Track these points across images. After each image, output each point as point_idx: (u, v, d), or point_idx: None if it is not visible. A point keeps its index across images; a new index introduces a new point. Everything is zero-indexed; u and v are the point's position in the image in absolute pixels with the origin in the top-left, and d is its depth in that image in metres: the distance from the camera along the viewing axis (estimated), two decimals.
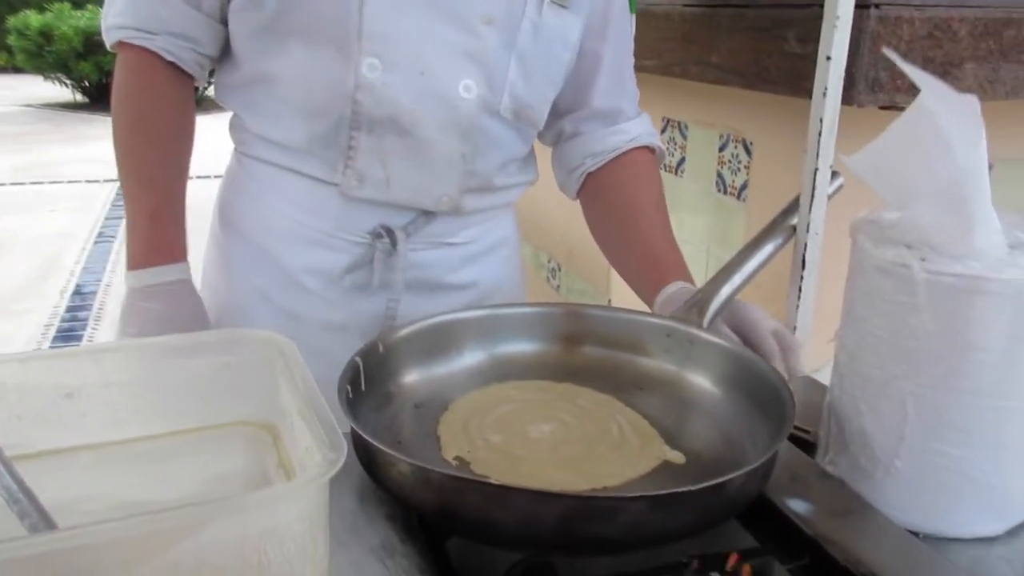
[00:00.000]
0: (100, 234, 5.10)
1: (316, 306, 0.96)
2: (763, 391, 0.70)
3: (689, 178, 1.58)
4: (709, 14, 1.26)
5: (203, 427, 0.45)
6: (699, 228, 1.55)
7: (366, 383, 0.71)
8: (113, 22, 0.90)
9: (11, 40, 10.35)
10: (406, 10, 0.85)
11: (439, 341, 0.79)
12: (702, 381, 0.78)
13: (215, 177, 1.14)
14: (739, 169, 1.42)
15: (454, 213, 0.96)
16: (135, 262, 0.91)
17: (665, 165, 1.65)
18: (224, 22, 0.91)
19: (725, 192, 1.46)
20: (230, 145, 1.02)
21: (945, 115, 0.63)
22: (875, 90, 1.00)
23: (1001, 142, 1.23)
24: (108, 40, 0.93)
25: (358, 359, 0.71)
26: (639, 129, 1.03)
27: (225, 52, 0.95)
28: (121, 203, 5.56)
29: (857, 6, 0.98)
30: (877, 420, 0.65)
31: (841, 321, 0.68)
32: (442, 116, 0.88)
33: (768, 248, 0.88)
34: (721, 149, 1.47)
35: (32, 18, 10.19)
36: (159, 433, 0.45)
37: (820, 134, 0.85)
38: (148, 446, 0.44)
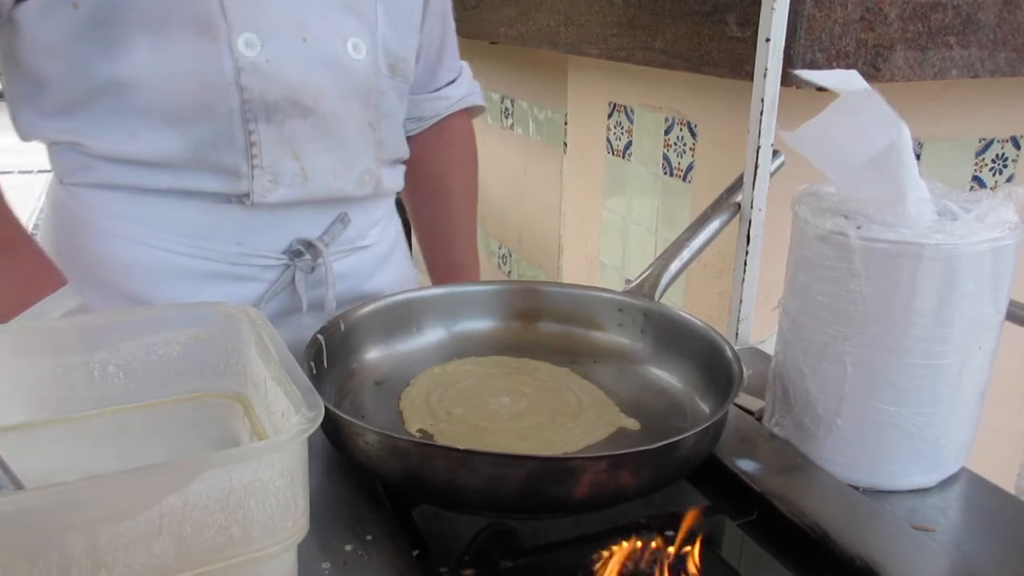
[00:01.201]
0: (36, 226, 4.94)
1: None
2: (712, 358, 0.73)
3: (636, 161, 1.61)
4: (652, 0, 1.29)
5: (175, 399, 0.46)
6: (647, 210, 1.59)
7: (328, 360, 0.72)
8: None
9: None
10: None
11: (399, 319, 0.80)
12: (653, 352, 0.81)
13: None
14: (684, 151, 1.46)
15: (375, 194, 0.91)
16: (10, 305, 0.71)
17: (612, 149, 1.68)
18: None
19: (672, 174, 1.50)
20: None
21: (870, 99, 0.67)
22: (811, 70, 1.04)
23: (928, 122, 1.30)
24: None
25: (320, 336, 0.72)
26: (459, 92, 1.05)
27: (18, 78, 0.78)
28: None
29: None
30: (819, 381, 0.68)
31: (784, 289, 0.72)
32: (339, 84, 0.82)
33: (714, 225, 0.91)
34: (667, 132, 1.51)
35: None
36: (131, 406, 0.45)
37: (761, 114, 0.89)
38: (119, 419, 0.45)
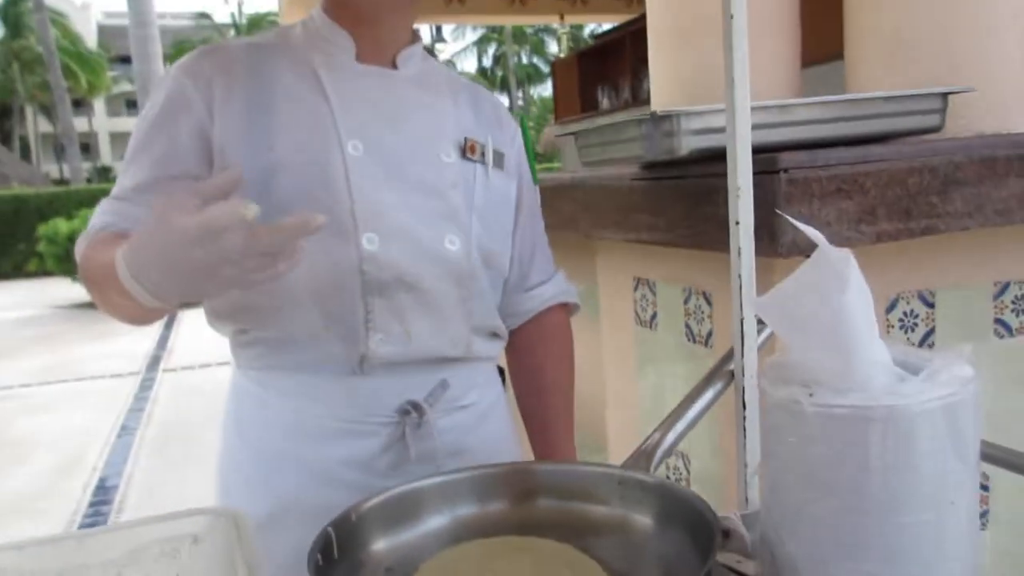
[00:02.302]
0: (123, 427, 5.20)
1: (353, 496, 0.95)
2: (700, 526, 0.76)
3: (662, 330, 1.67)
4: (653, 185, 1.40)
5: None
6: (677, 376, 1.63)
7: (339, 551, 0.77)
8: (96, 227, 0.97)
9: (41, 247, 10.96)
10: (388, 187, 0.98)
11: (406, 508, 0.85)
12: (653, 524, 0.84)
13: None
14: (703, 319, 1.52)
15: (467, 356, 1.06)
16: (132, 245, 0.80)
17: (640, 320, 1.75)
18: None
19: (694, 341, 1.55)
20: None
21: (827, 266, 0.73)
22: (796, 243, 1.11)
23: (937, 272, 1.34)
24: (80, 248, 0.96)
25: (330, 529, 0.77)
26: (551, 291, 1.19)
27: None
28: (144, 394, 5.68)
29: (767, 172, 1.12)
30: (798, 546, 0.70)
31: (760, 456, 0.75)
32: (438, 269, 1.01)
33: (708, 395, 0.96)
34: (686, 302, 1.58)
35: (60, 224, 10.83)
36: None
37: (740, 288, 0.95)
38: None
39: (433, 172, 1.01)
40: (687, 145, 1.17)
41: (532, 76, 38.02)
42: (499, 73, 39.92)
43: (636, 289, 1.76)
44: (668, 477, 1.73)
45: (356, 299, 0.98)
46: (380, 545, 0.83)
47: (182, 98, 0.98)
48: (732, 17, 0.93)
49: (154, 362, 7.00)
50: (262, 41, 1.05)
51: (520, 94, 38.83)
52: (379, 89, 1.02)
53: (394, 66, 1.05)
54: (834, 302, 0.69)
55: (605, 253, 1.88)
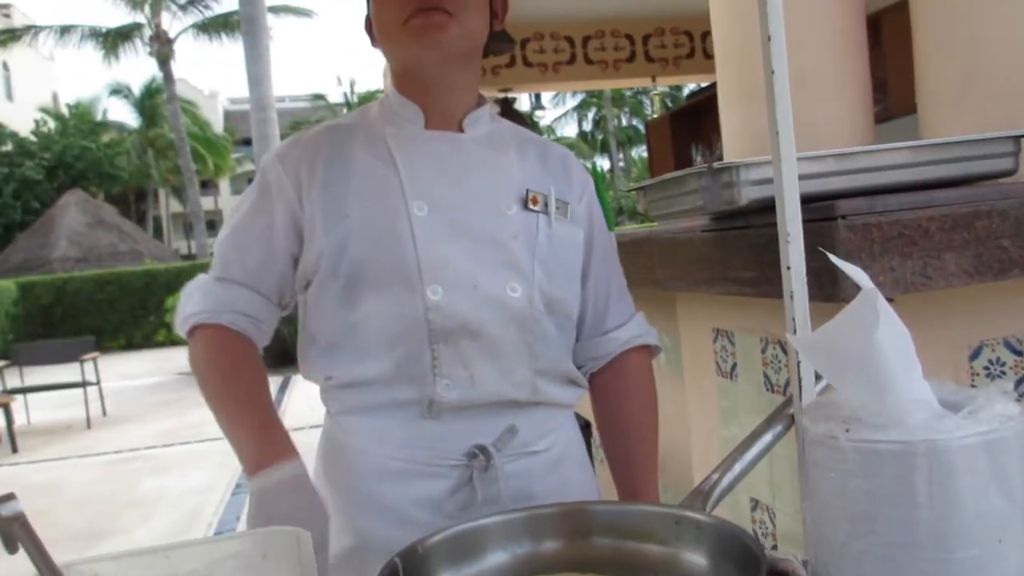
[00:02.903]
0: (238, 486, 5.44)
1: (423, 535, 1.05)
2: (751, 563, 0.77)
3: (742, 380, 1.67)
4: (720, 236, 1.43)
5: None
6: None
7: None
8: (191, 311, 1.11)
9: (168, 318, 11.71)
10: (451, 241, 1.06)
11: (468, 545, 0.90)
12: (710, 563, 0.85)
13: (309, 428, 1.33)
14: (780, 368, 1.52)
15: (536, 401, 1.11)
16: (256, 467, 1.02)
17: (721, 370, 1.76)
18: (281, 306, 1.14)
19: (772, 391, 1.55)
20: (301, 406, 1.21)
21: (863, 306, 0.75)
22: (857, 288, 1.11)
23: (998, 321, 1.30)
24: (183, 329, 1.13)
25: (397, 559, 0.83)
26: (629, 334, 1.21)
27: (304, 341, 1.13)
28: None
29: (825, 219, 1.14)
30: None
31: (803, 494, 0.77)
32: (500, 316, 1.07)
33: (767, 438, 0.97)
34: (763, 351, 1.58)
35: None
36: None
37: (795, 332, 0.97)
38: None
39: (494, 224, 1.08)
40: (746, 196, 1.21)
41: (632, 138, 38.29)
42: (599, 136, 40.42)
43: (716, 340, 1.77)
44: (754, 531, 1.70)
45: (424, 347, 1.05)
46: None
47: (276, 184, 1.12)
48: (774, 72, 0.97)
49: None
50: (343, 122, 1.17)
51: (620, 155, 39.11)
52: (445, 151, 1.11)
53: (461, 130, 1.14)
54: (866, 341, 0.71)
55: (684, 305, 1.90)
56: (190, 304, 1.13)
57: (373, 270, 1.05)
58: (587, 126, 41.27)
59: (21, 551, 0.60)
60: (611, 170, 38.90)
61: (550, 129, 41.31)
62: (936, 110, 1.49)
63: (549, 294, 1.10)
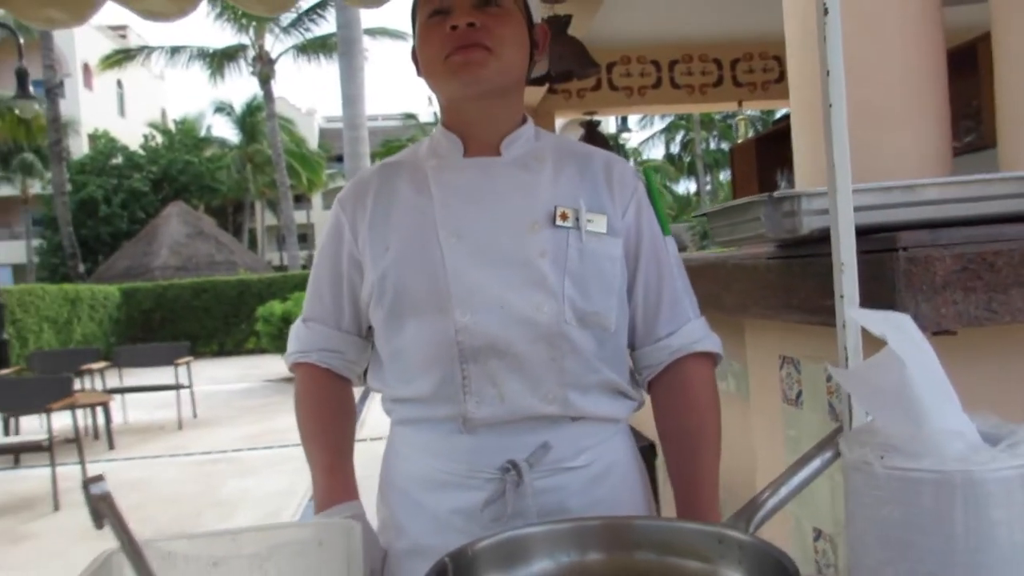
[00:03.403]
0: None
1: (462, 542, 1.03)
2: None
3: (807, 408, 1.66)
4: (785, 264, 1.44)
5: None
6: None
7: None
8: (289, 351, 1.28)
9: (258, 326, 12.16)
10: (478, 267, 1.11)
11: (515, 552, 0.94)
12: None
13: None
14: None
15: (565, 411, 1.13)
16: (320, 506, 1.19)
17: (786, 397, 1.75)
18: (362, 335, 1.24)
19: (837, 419, 1.54)
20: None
21: (900, 340, 0.76)
22: (919, 319, 1.11)
23: None
24: (288, 366, 1.28)
25: (447, 559, 0.88)
26: (682, 341, 1.21)
27: (373, 356, 1.25)
28: None
29: (886, 251, 1.14)
30: None
31: (844, 519, 0.78)
32: (527, 333, 1.10)
33: (816, 464, 0.98)
34: (828, 379, 1.57)
35: (276, 306, 11.99)
36: None
37: (847, 360, 0.98)
38: None
39: (522, 245, 1.12)
40: (807, 225, 1.22)
41: (719, 161, 37.71)
42: (687, 159, 40.02)
43: (782, 367, 1.76)
44: (816, 562, 1.68)
45: (455, 366, 1.11)
46: None
47: (338, 226, 1.23)
48: (831, 106, 0.99)
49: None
50: (394, 160, 1.26)
51: (708, 178, 38.61)
52: (478, 178, 1.16)
53: (499, 152, 1.18)
54: (900, 375, 0.73)
55: (752, 331, 1.90)
56: (290, 344, 1.29)
57: (411, 298, 1.13)
58: (675, 148, 40.93)
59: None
60: (697, 193, 38.42)
61: (636, 152, 41.14)
62: (1014, 142, 1.46)
63: (581, 308, 1.12)
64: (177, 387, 8.34)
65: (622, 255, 1.17)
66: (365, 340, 1.25)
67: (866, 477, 0.72)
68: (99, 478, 0.68)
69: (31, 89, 11.16)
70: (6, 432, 7.02)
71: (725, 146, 37.86)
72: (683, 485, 1.22)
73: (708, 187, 38.12)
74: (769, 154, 7.16)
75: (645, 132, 40.62)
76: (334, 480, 1.21)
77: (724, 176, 39.57)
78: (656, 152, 41.51)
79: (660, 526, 0.97)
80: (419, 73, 1.20)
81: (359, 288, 1.20)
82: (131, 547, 0.66)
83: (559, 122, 8.90)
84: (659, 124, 39.19)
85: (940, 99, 1.62)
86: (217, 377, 12.50)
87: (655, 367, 1.22)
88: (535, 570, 0.94)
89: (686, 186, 41.90)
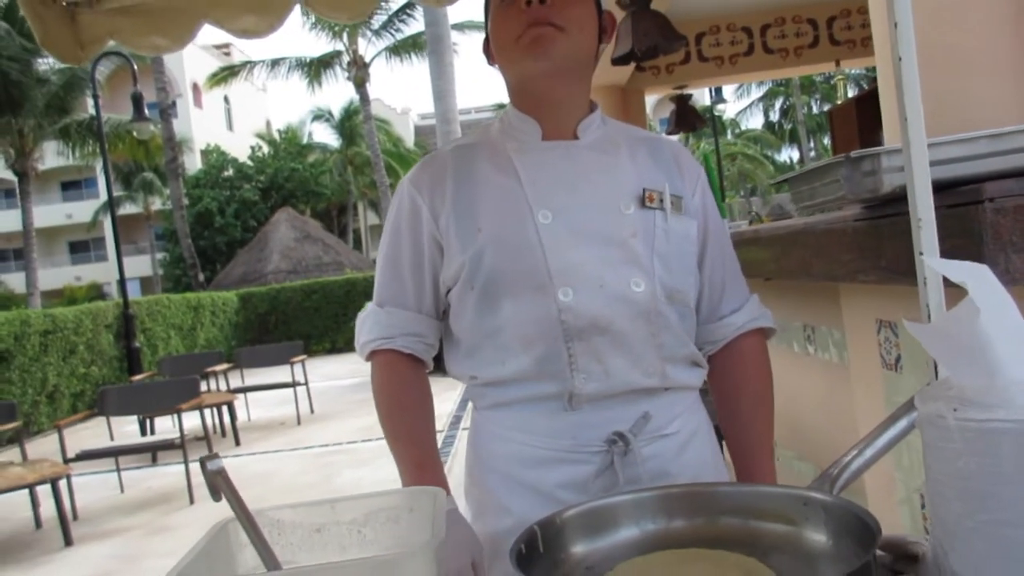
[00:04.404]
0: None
1: None
2: (870, 541, 0.80)
3: (907, 372, 1.62)
4: (872, 225, 1.41)
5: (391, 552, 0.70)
6: None
7: (544, 549, 0.92)
8: (365, 339, 1.26)
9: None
10: (576, 245, 1.14)
11: (602, 519, 0.97)
12: (835, 544, 0.88)
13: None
14: None
15: (665, 386, 1.18)
16: None
17: (885, 362, 1.71)
18: (439, 318, 1.25)
19: None
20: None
21: (978, 292, 0.76)
22: (1009, 271, 1.08)
23: None
24: (363, 355, 1.28)
25: (536, 527, 0.92)
26: (744, 318, 1.25)
27: (448, 344, 1.26)
28: (446, 450, 6.26)
29: (971, 203, 1.11)
30: (960, 559, 0.72)
31: (925, 475, 0.78)
32: (627, 311, 1.15)
33: (903, 424, 0.97)
34: None
35: None
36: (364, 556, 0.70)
37: (930, 319, 0.97)
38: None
39: (614, 225, 1.15)
40: (888, 183, 1.19)
41: (822, 125, 36.20)
42: (787, 126, 38.66)
43: (879, 332, 1.72)
44: (925, 528, 1.64)
45: (560, 345, 1.14)
46: (579, 548, 0.96)
47: (414, 208, 1.23)
48: (901, 59, 0.97)
49: (455, 421, 7.70)
50: (467, 142, 1.28)
51: (811, 144, 37.18)
52: (562, 160, 1.19)
53: (575, 136, 1.21)
54: (973, 327, 0.72)
55: (847, 296, 1.86)
56: (364, 332, 1.27)
57: (507, 278, 1.14)
58: (774, 116, 39.59)
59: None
60: (801, 160, 37.05)
61: (734, 123, 39.99)
62: None
63: (669, 286, 1.16)
64: (294, 384, 8.73)
65: (696, 235, 1.21)
66: (440, 323, 1.26)
67: (940, 431, 0.72)
68: (214, 456, 0.76)
69: (146, 112, 11.89)
70: (143, 432, 7.54)
71: (828, 109, 36.31)
72: (740, 451, 1.27)
73: (812, 153, 36.70)
74: (870, 115, 6.85)
75: (742, 102, 39.47)
76: (423, 476, 1.21)
77: (828, 141, 37.97)
78: (755, 121, 40.29)
79: (745, 491, 0.98)
80: (490, 62, 1.24)
81: (438, 269, 1.22)
82: (244, 515, 0.73)
83: (649, 99, 8.76)
84: (756, 92, 37.99)
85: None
86: (330, 373, 13.00)
87: (718, 343, 1.27)
88: (622, 537, 0.97)
89: (788, 154, 40.49)
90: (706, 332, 1.27)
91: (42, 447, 8.05)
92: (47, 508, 5.27)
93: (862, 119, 6.94)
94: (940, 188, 1.15)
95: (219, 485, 0.73)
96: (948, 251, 1.16)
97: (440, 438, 6.94)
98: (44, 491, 5.16)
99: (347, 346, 16.73)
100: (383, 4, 20.97)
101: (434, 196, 1.22)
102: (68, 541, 5.05)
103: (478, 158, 1.23)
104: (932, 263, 0.83)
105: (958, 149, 1.17)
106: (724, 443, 1.38)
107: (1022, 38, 1.55)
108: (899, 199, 1.27)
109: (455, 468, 5.99)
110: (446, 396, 8.48)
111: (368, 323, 1.27)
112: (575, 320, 1.13)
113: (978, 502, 0.69)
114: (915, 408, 0.99)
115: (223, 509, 0.75)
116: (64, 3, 1.64)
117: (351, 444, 7.33)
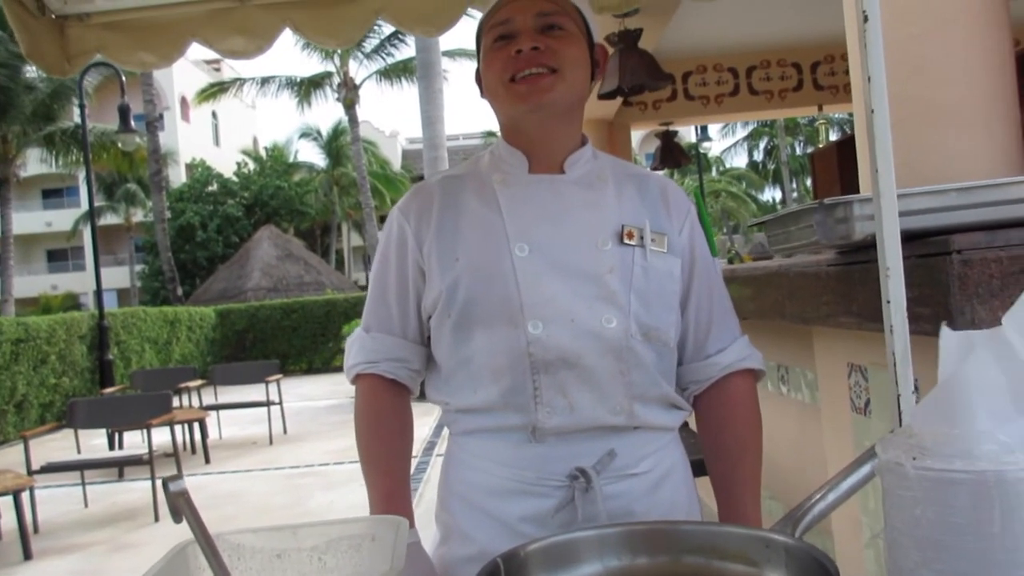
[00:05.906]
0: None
1: None
2: None
3: (875, 417, 1.64)
4: (844, 270, 1.44)
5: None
6: None
7: None
8: (351, 363, 1.27)
9: (345, 345, 12.46)
10: (550, 279, 1.15)
11: (565, 555, 0.97)
12: None
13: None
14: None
15: (634, 425, 1.17)
16: None
17: (855, 406, 1.73)
18: (424, 344, 1.26)
19: None
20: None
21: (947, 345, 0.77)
22: (974, 323, 1.10)
23: None
24: (349, 377, 1.29)
25: (499, 560, 0.92)
26: (730, 358, 1.24)
27: (430, 369, 1.27)
28: (418, 476, 6.19)
29: (939, 254, 1.14)
30: None
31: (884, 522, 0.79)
32: (596, 346, 1.14)
33: (866, 469, 0.98)
34: None
35: (356, 323, 12.27)
36: None
37: (895, 366, 0.98)
38: None
39: (591, 260, 1.15)
40: (860, 230, 1.22)
41: (805, 167, 36.71)
42: (771, 166, 39.16)
43: (850, 375, 1.74)
44: None
45: (526, 377, 1.14)
46: None
47: (402, 235, 1.25)
48: (873, 112, 0.99)
49: (429, 448, 7.65)
50: (456, 172, 1.29)
51: (794, 185, 37.66)
52: (546, 193, 1.20)
53: (562, 170, 1.22)
54: (942, 379, 0.73)
55: (820, 339, 1.89)
56: (350, 356, 1.29)
57: (481, 308, 1.15)
58: (758, 156, 40.11)
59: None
60: (783, 201, 37.50)
61: (719, 160, 40.46)
62: None
63: (646, 323, 1.16)
64: (268, 404, 8.65)
65: (680, 274, 1.21)
66: (425, 348, 1.27)
67: (899, 478, 0.73)
68: (177, 477, 0.75)
69: (133, 123, 11.85)
70: (111, 447, 7.43)
71: (812, 151, 36.84)
72: (726, 492, 1.26)
73: (794, 194, 37.17)
74: (851, 159, 6.97)
75: (727, 141, 39.96)
76: (392, 507, 1.22)
77: (810, 183, 38.47)
78: (739, 160, 40.79)
79: (708, 530, 0.99)
80: (482, 94, 1.26)
81: (423, 297, 1.23)
82: (204, 539, 0.72)
83: (636, 135, 8.85)
84: (741, 132, 38.50)
85: (1009, 99, 1.58)
86: (306, 394, 12.89)
87: (703, 382, 1.26)
88: (585, 573, 0.97)
89: (771, 194, 40.97)
90: (692, 371, 1.26)
91: (7, 458, 7.91)
92: (8, 520, 5.16)
93: (843, 163, 7.05)
94: (910, 238, 1.17)
95: (181, 507, 0.73)
96: (916, 299, 1.19)
97: (413, 464, 6.89)
98: (6, 503, 5.06)
99: (324, 367, 16.62)
100: (376, 28, 21.11)
101: (420, 224, 1.23)
102: (28, 555, 4.94)
103: (465, 189, 1.25)
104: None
105: (928, 200, 1.19)
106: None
107: (995, 94, 1.59)
108: (871, 246, 1.29)
109: (427, 494, 5.94)
110: (422, 422, 8.43)
111: (355, 347, 1.28)
112: (543, 353, 1.13)
113: (934, 552, 0.70)
114: (876, 454, 1.00)
115: (187, 529, 0.74)
116: (53, 16, 1.65)
117: (323, 466, 7.26)
